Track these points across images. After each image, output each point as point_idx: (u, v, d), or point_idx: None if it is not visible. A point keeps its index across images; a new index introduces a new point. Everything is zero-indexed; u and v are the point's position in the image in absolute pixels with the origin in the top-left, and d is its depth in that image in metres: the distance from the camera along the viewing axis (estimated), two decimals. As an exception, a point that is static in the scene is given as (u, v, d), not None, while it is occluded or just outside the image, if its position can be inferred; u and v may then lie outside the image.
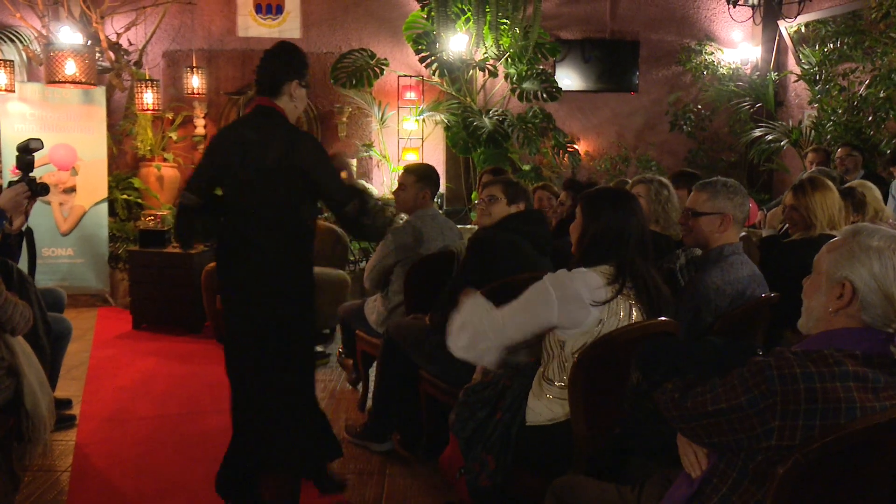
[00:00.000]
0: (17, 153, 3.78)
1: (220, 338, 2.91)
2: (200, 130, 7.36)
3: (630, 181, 3.88)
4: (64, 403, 4.05)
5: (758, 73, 8.01)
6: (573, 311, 2.30)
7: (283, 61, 2.90)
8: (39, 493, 3.20)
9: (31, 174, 3.69)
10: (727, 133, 8.08)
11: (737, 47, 8.14)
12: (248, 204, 2.84)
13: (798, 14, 7.02)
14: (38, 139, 3.85)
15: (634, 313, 2.36)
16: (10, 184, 3.75)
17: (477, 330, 2.39)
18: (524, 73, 7.25)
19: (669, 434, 1.77)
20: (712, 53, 8.02)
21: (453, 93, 7.43)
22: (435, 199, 4.13)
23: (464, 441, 2.50)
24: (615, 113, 8.26)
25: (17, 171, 3.72)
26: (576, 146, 7.78)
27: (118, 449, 3.67)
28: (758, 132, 7.52)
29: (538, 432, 2.34)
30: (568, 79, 8.00)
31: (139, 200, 7.22)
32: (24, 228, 3.83)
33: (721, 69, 7.96)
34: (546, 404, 2.36)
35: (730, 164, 8.00)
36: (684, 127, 7.99)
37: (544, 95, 7.29)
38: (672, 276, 3.15)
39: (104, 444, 3.73)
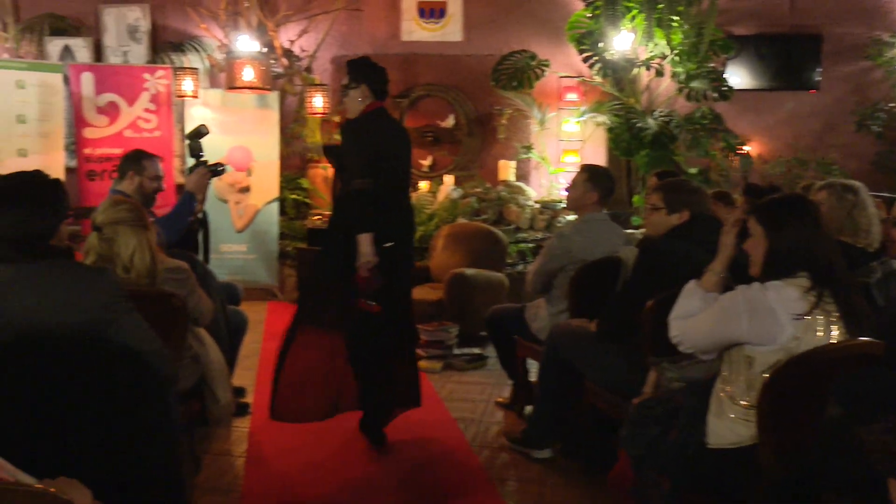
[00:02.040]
0: (188, 140, 4.17)
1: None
2: (364, 132, 7.59)
3: (817, 184, 3.61)
4: (240, 391, 4.28)
5: (963, 66, 7.27)
6: (765, 326, 2.15)
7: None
8: (218, 476, 3.39)
9: (202, 157, 4.09)
10: (924, 134, 7.39)
11: (937, 39, 7.43)
12: (401, 180, 3.73)
13: None
14: (205, 125, 4.29)
15: (835, 331, 2.18)
16: (191, 169, 4.10)
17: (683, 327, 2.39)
18: (693, 72, 6.96)
19: (875, 471, 1.60)
20: (907, 46, 7.37)
21: (616, 93, 7.25)
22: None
23: (635, 459, 2.41)
24: (792, 113, 7.76)
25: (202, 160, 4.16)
26: (747, 148, 7.38)
27: (287, 439, 3.82)
28: (961, 133, 6.82)
29: (720, 455, 2.20)
30: (740, 77, 7.61)
31: (307, 200, 7.55)
32: (199, 215, 4.16)
33: (918, 64, 7.29)
34: (729, 425, 2.21)
35: (926, 168, 7.32)
36: (873, 127, 7.38)
37: (714, 95, 6.97)
38: (866, 292, 2.89)
39: (274, 433, 3.90)
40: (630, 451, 2.44)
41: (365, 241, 3.46)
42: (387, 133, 3.63)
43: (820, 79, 7.63)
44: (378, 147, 3.53)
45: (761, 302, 2.16)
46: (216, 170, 4.15)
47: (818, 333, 2.13)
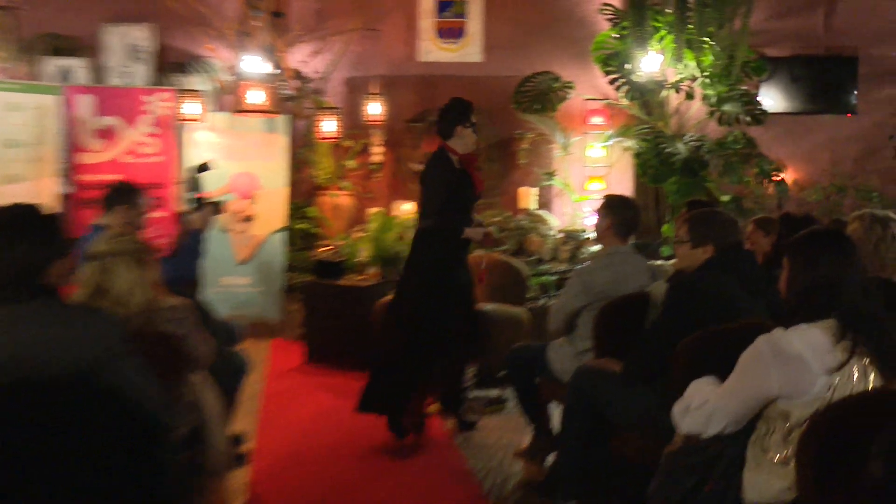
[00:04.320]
0: (195, 174, 4.42)
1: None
2: (377, 158, 7.57)
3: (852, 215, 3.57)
4: (238, 439, 4.21)
5: None
6: (796, 378, 2.11)
7: (451, 112, 4.34)
8: (214, 530, 3.34)
9: (200, 194, 4.40)
10: (972, 160, 7.33)
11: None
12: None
13: None
14: (210, 161, 4.77)
15: (872, 375, 2.13)
16: (193, 204, 4.31)
17: (704, 413, 2.32)
18: (724, 95, 6.95)
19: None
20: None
21: (644, 117, 7.24)
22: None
23: (666, 513, 2.35)
24: (829, 137, 7.73)
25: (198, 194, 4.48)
26: (782, 174, 7.34)
27: (289, 491, 3.78)
28: None
29: (758, 512, 2.15)
30: (774, 100, 7.60)
31: (315, 230, 7.53)
32: None
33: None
34: (765, 479, 2.16)
35: (975, 196, 7.24)
36: (916, 153, 7.33)
37: (747, 118, 6.94)
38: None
39: (276, 484, 3.86)
40: (660, 505, 2.38)
41: None
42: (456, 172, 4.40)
43: (856, 102, 7.61)
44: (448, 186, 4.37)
45: (786, 349, 2.11)
46: (218, 206, 4.46)
47: (854, 378, 2.09)
